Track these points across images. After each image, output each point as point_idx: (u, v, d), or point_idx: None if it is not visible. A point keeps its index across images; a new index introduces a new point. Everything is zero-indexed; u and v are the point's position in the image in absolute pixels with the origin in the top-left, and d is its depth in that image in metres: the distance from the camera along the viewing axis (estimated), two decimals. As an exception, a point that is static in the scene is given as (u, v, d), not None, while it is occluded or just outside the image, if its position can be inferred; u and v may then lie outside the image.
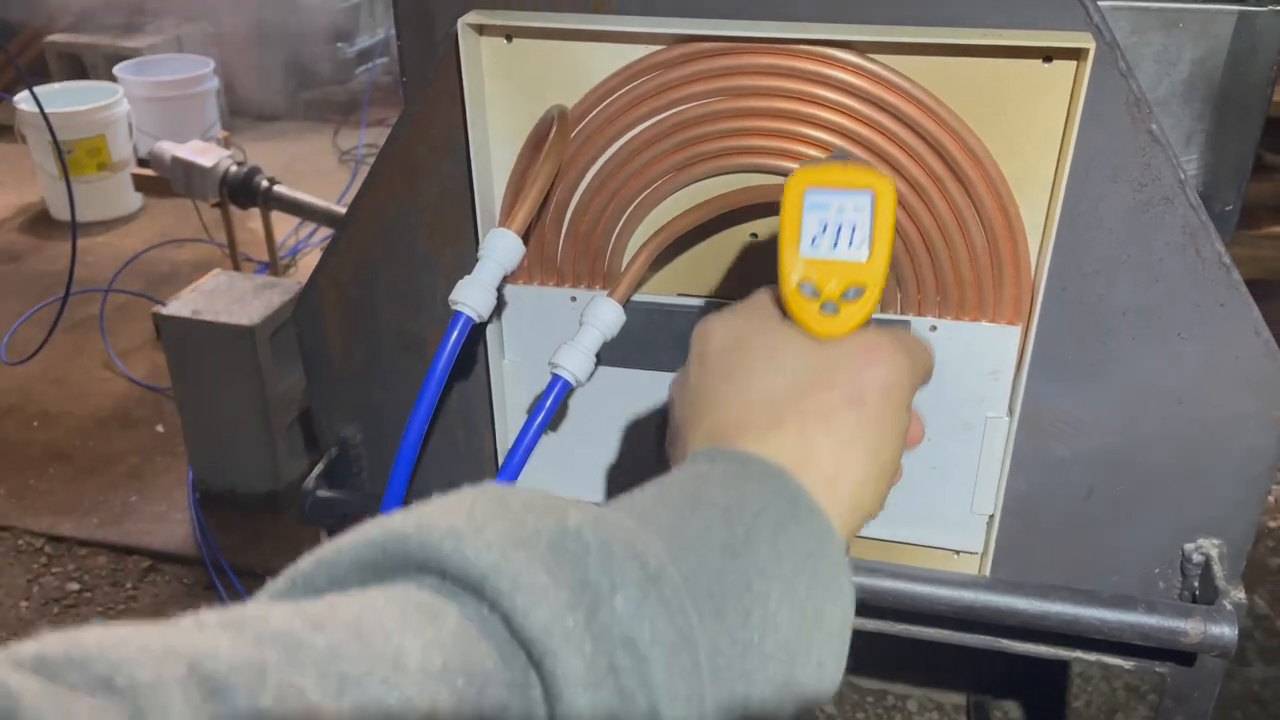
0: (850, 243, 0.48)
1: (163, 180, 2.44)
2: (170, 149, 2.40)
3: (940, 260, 0.70)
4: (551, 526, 0.35)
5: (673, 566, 0.36)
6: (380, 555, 0.34)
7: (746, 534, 0.39)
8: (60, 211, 3.10)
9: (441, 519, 0.34)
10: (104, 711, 0.25)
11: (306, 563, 0.35)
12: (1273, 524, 1.89)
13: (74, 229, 2.19)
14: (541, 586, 0.33)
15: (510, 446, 0.71)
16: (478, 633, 0.33)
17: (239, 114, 3.80)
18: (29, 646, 0.26)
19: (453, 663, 0.31)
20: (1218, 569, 0.74)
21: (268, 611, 0.31)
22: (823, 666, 0.40)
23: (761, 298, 0.51)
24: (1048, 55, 0.64)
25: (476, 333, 0.74)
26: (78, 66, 3.71)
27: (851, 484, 0.44)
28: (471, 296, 0.66)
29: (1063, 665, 1.54)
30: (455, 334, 0.66)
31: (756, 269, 0.77)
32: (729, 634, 0.37)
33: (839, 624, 0.41)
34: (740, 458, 0.43)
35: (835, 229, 0.48)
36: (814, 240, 0.48)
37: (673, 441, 0.51)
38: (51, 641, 0.27)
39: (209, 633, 0.29)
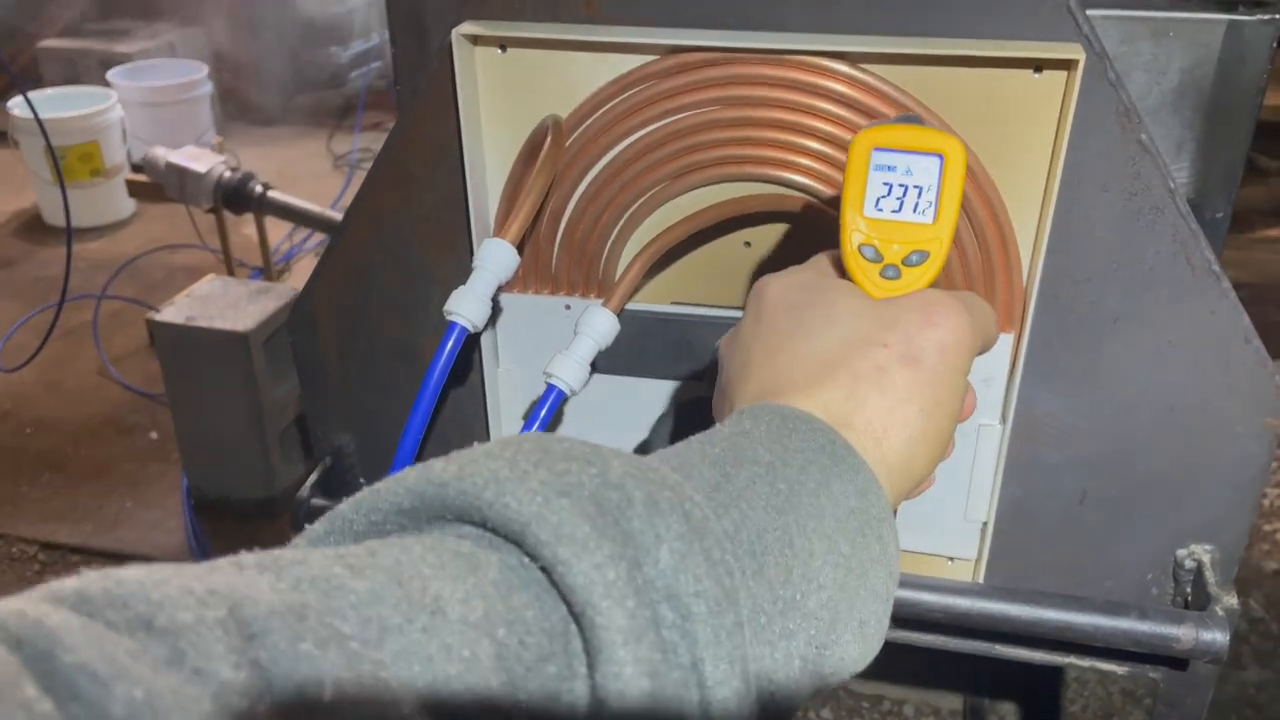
0: (915, 207, 0.46)
1: (156, 186, 2.44)
2: (164, 154, 2.40)
3: (933, 269, 0.71)
4: (595, 477, 0.34)
5: (716, 522, 0.36)
6: (419, 502, 0.34)
7: (789, 490, 0.38)
8: (54, 217, 3.10)
9: (483, 466, 0.34)
10: (143, 652, 0.24)
11: (346, 507, 0.34)
12: (1268, 528, 1.89)
13: (69, 235, 2.19)
14: (584, 538, 0.32)
15: (505, 455, 0.71)
16: (518, 583, 0.32)
17: (233, 119, 3.80)
18: (69, 583, 0.26)
19: (493, 612, 0.31)
20: (1210, 575, 0.74)
21: (306, 555, 0.30)
22: (865, 626, 0.39)
23: (821, 260, 0.50)
24: (1038, 66, 0.64)
25: (471, 341, 0.74)
26: (70, 71, 3.71)
27: (901, 444, 0.42)
28: (466, 307, 0.66)
29: (1058, 670, 1.55)
30: (450, 344, 0.67)
31: (752, 277, 0.77)
32: (771, 591, 0.36)
33: (883, 583, 0.40)
34: (785, 413, 0.42)
35: (901, 191, 0.46)
36: (878, 202, 0.46)
37: (720, 399, 0.50)
38: (92, 578, 0.26)
39: (248, 575, 0.29)
